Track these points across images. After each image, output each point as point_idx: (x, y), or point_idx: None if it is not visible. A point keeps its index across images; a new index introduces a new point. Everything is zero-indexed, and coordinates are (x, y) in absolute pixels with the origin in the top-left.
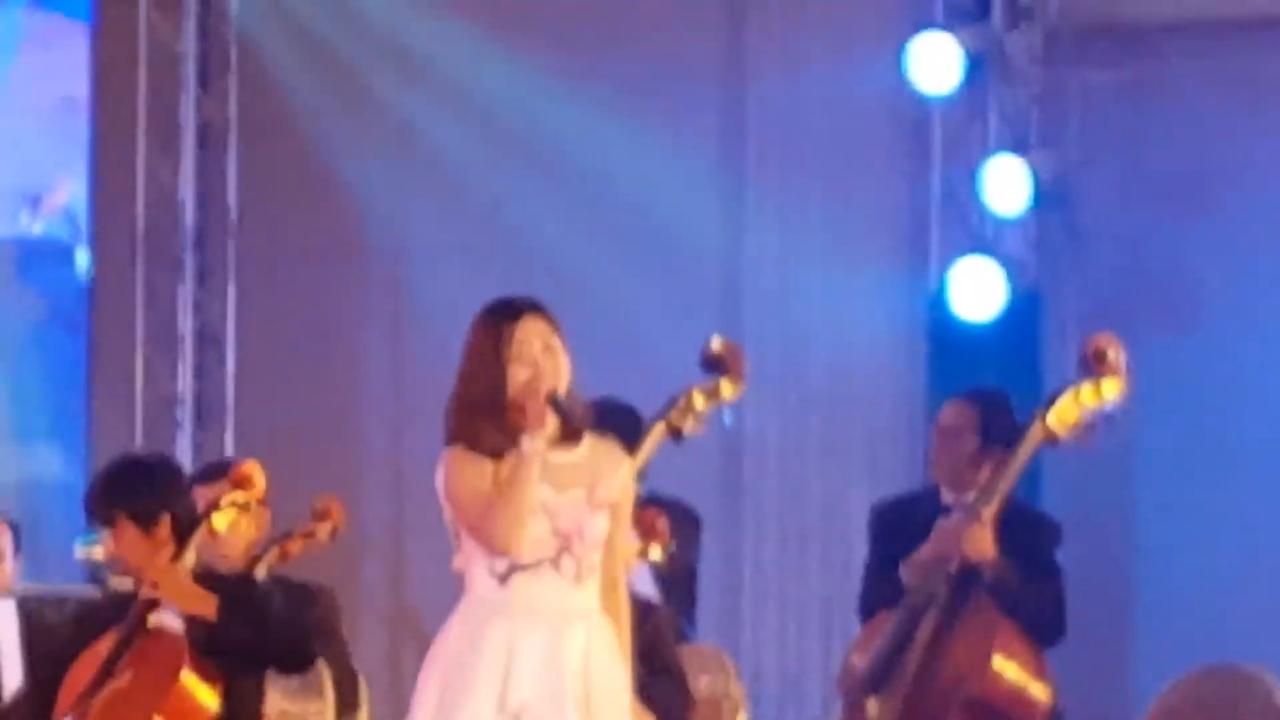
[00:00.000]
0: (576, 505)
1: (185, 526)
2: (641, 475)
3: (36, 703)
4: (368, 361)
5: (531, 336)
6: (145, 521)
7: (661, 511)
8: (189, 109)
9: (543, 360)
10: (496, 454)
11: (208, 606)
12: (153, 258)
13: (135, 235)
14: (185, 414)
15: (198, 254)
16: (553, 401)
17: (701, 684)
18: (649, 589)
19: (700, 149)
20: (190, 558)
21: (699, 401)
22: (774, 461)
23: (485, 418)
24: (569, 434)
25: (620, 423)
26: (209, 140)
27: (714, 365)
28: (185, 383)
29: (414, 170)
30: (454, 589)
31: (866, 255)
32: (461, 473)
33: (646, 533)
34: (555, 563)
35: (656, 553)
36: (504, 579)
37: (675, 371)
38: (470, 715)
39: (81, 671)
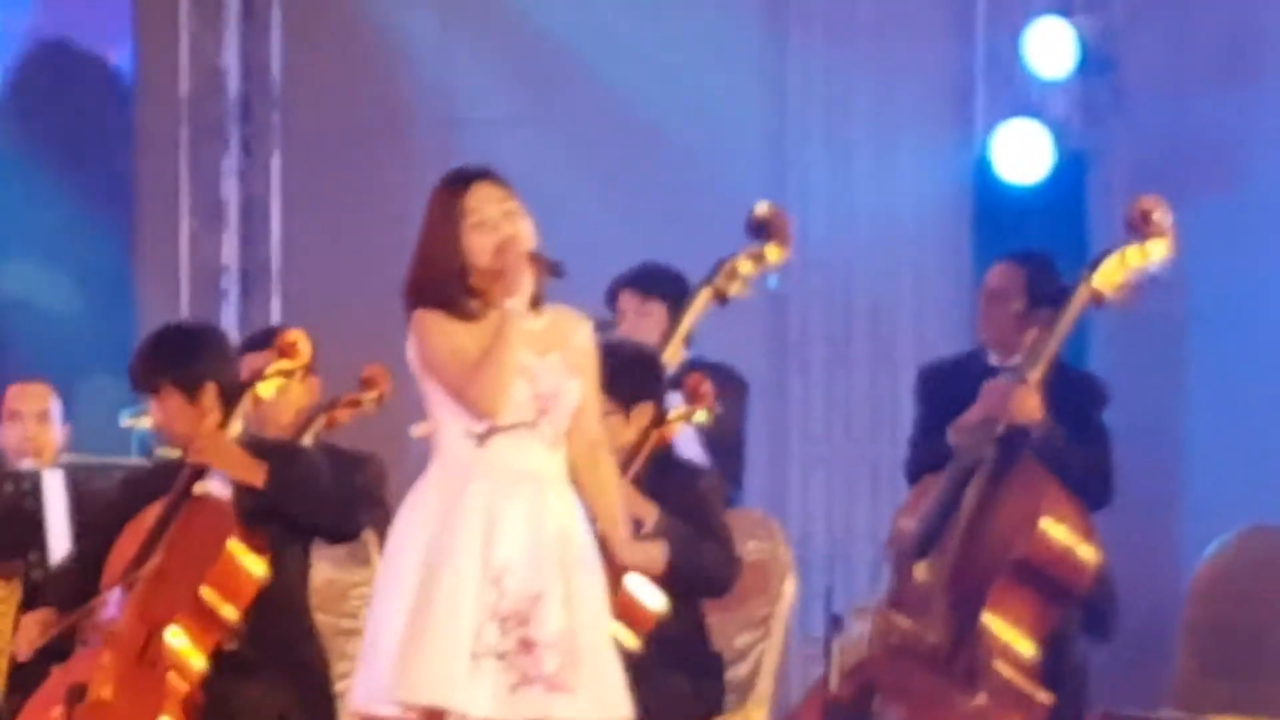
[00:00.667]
0: (555, 369)
1: (231, 394)
2: (688, 340)
3: (83, 570)
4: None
5: (485, 204)
6: (190, 389)
7: (707, 376)
8: None
9: (504, 224)
10: (468, 318)
11: (255, 474)
12: (197, 128)
13: (179, 106)
14: (231, 284)
15: (242, 124)
16: (536, 261)
17: (749, 549)
18: (696, 453)
19: (744, 14)
20: (237, 426)
21: (745, 266)
22: (820, 325)
23: (446, 284)
24: (532, 302)
25: (667, 288)
26: (253, 9)
27: (760, 230)
28: (231, 253)
29: (463, 39)
30: None
31: (911, 119)
32: (439, 335)
33: (693, 396)
34: (533, 426)
35: (703, 416)
36: (482, 440)
37: (721, 237)
38: (454, 575)
39: (129, 540)
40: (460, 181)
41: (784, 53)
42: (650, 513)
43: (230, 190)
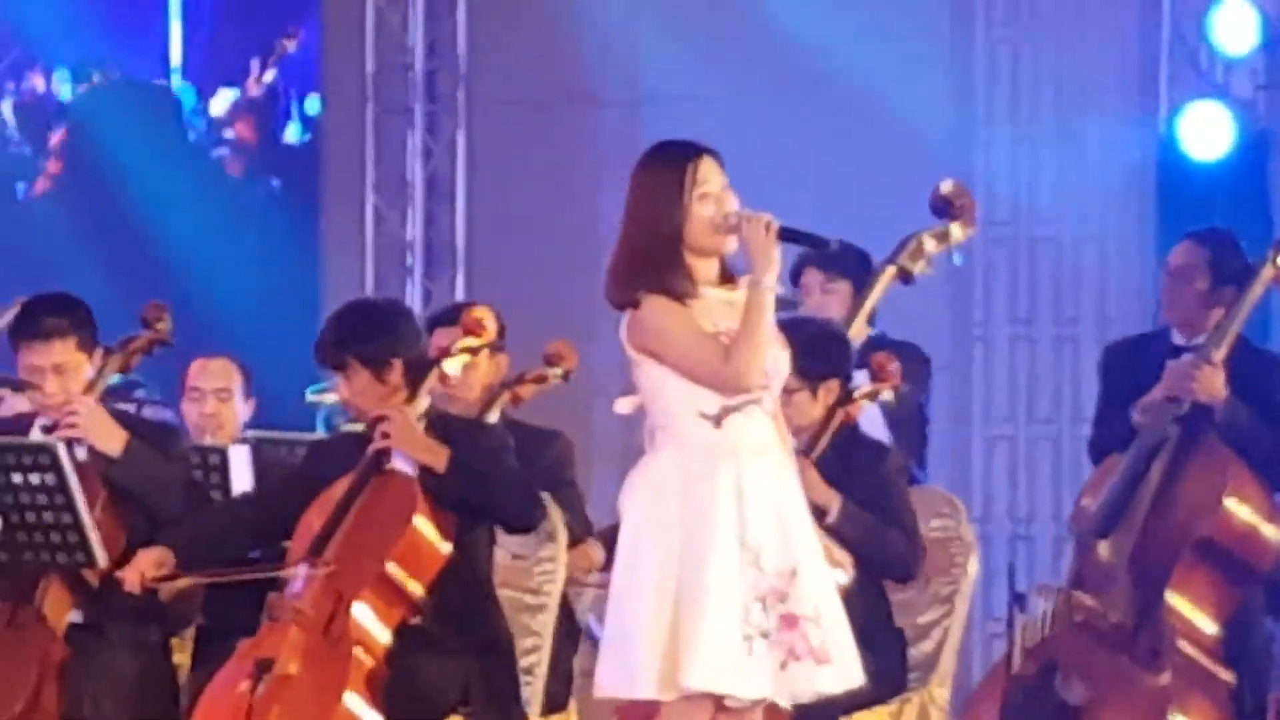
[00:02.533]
0: (771, 345)
1: (417, 371)
2: (872, 317)
3: (266, 540)
4: (599, 211)
5: (712, 176)
6: (377, 366)
7: (892, 353)
8: None
9: (727, 199)
10: (686, 298)
11: (438, 459)
12: (382, 105)
13: (365, 83)
14: (415, 261)
15: (427, 101)
16: (791, 237)
17: (932, 526)
18: (880, 431)
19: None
20: (424, 403)
21: (929, 244)
22: (1004, 303)
23: (668, 263)
24: (727, 275)
25: (851, 266)
26: None
27: (945, 208)
28: (415, 229)
29: (650, 14)
30: None
31: (1096, 98)
32: (677, 318)
33: (879, 374)
34: (760, 402)
35: (888, 395)
36: (718, 421)
37: (907, 215)
38: (718, 556)
39: (315, 514)
40: (687, 154)
41: (971, 31)
42: (834, 501)
43: (415, 167)
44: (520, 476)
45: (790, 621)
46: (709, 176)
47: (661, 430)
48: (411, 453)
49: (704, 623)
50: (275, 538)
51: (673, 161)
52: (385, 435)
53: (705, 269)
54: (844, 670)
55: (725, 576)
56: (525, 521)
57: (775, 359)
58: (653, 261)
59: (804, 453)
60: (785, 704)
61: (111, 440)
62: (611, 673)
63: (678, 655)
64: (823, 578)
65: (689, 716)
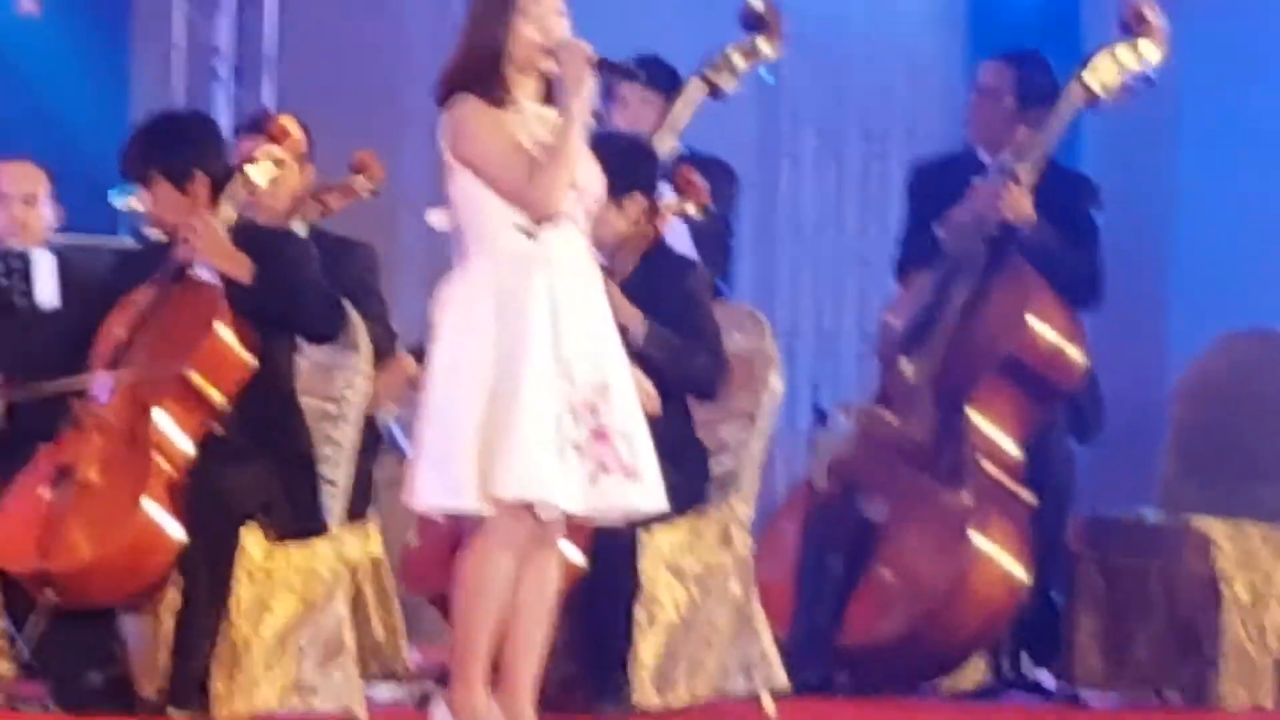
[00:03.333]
0: (586, 160)
1: (222, 183)
2: (679, 132)
3: (71, 348)
4: (411, 18)
5: None
6: (180, 179)
7: (698, 168)
8: None
9: (552, 21)
10: (502, 105)
11: (241, 269)
12: None
13: None
14: (225, 68)
15: None
16: (607, 68)
17: (735, 341)
18: (685, 246)
19: None
20: (228, 212)
21: (737, 59)
22: (812, 120)
23: (490, 70)
24: (550, 98)
25: (659, 78)
26: None
27: (753, 24)
28: (225, 36)
29: None
30: None
31: None
32: (491, 125)
33: (683, 189)
34: (574, 218)
35: (692, 209)
36: (530, 234)
37: (715, 30)
38: (532, 369)
39: (117, 322)
40: None
41: None
42: (637, 320)
43: None
44: (322, 287)
45: (601, 435)
46: None
47: (475, 241)
48: (216, 263)
49: (518, 432)
50: (83, 349)
51: None
52: (189, 244)
53: (527, 85)
54: (650, 490)
55: (539, 386)
56: (326, 331)
57: (589, 178)
58: (472, 67)
59: (609, 269)
60: (592, 518)
61: None
62: (430, 484)
63: (492, 465)
64: (631, 396)
65: (508, 529)
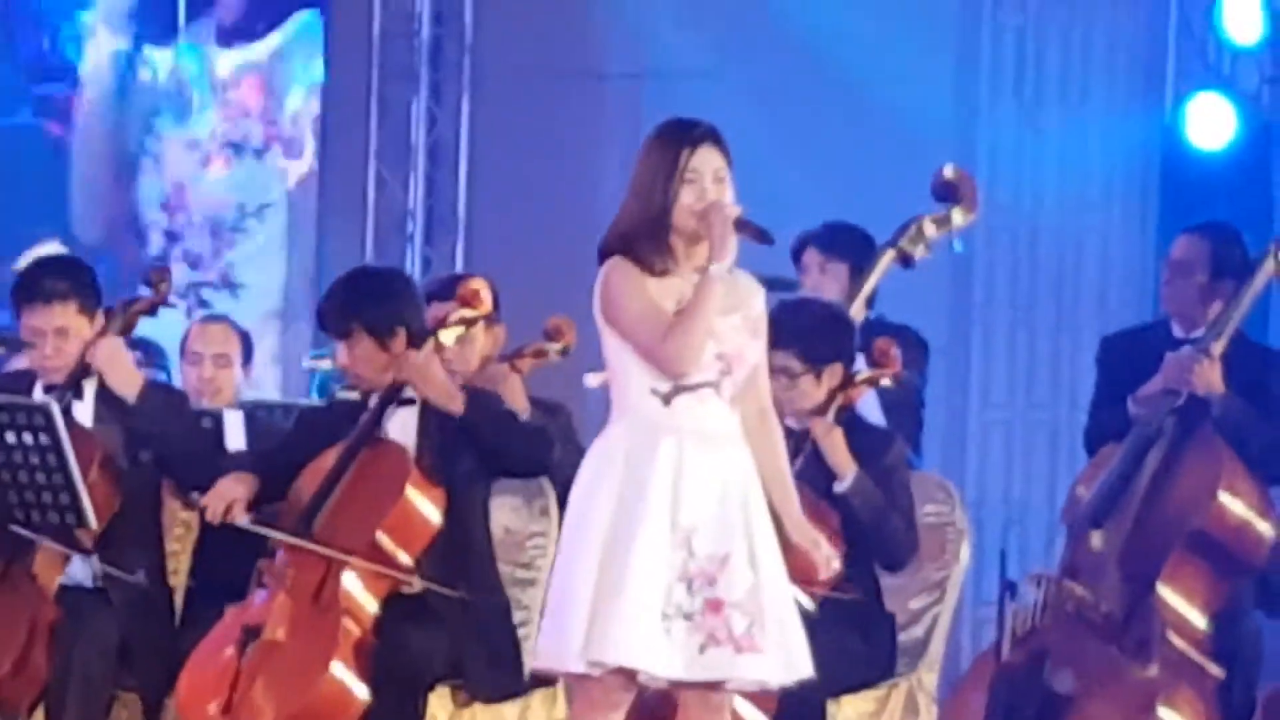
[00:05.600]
0: (737, 330)
1: (418, 341)
2: (871, 300)
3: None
4: (601, 184)
5: (704, 165)
6: (381, 334)
7: (890, 338)
8: None
9: (713, 189)
10: (661, 272)
11: (456, 402)
12: (388, 71)
13: (371, 48)
14: (416, 228)
15: (432, 68)
16: (741, 227)
17: (926, 512)
18: (875, 415)
19: None
20: None
21: (929, 228)
22: (1004, 290)
23: (650, 237)
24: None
25: (853, 246)
26: None
27: (946, 193)
28: (417, 197)
29: None
30: None
31: (1102, 84)
32: (634, 288)
33: (879, 360)
34: (717, 386)
35: (888, 380)
36: (668, 400)
37: (908, 198)
38: (646, 535)
39: (307, 483)
40: (688, 139)
41: (978, 16)
42: (850, 470)
43: (418, 134)
44: (528, 424)
45: (715, 606)
46: (700, 164)
47: (617, 403)
48: (432, 393)
49: (622, 598)
50: (269, 500)
51: (670, 144)
52: (404, 371)
53: (697, 253)
54: (783, 661)
55: (650, 553)
56: (538, 462)
57: (742, 347)
58: (634, 233)
59: (803, 435)
60: (708, 679)
61: (129, 382)
62: (546, 645)
63: (594, 629)
64: (765, 569)
65: (607, 693)
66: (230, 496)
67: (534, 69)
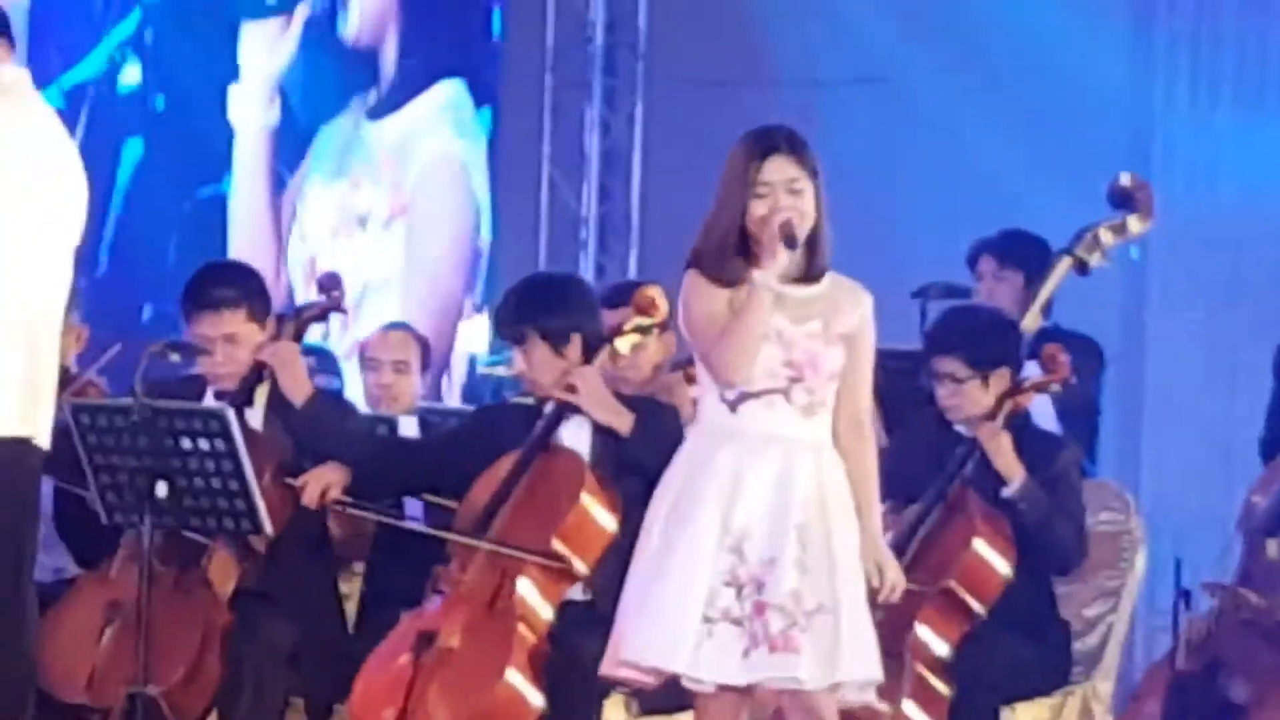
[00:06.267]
0: (812, 337)
1: (593, 348)
2: (1047, 307)
3: (431, 489)
4: None
5: (776, 175)
6: (557, 340)
7: (1065, 345)
8: None
9: (784, 199)
10: (731, 283)
11: (624, 422)
12: (561, 78)
13: (545, 55)
14: (590, 234)
15: (606, 75)
16: (785, 237)
17: (1101, 519)
18: (1050, 422)
19: None
20: None
21: (1106, 236)
22: (1179, 297)
23: (724, 248)
24: (811, 273)
25: (1028, 254)
26: None
27: (1122, 200)
28: (590, 203)
29: (823, 3)
30: None
31: (1276, 90)
32: (698, 297)
33: (1048, 366)
34: (786, 393)
35: (1057, 386)
36: (734, 406)
37: (1084, 208)
38: (693, 535)
39: (482, 489)
40: (757, 150)
41: (1151, 21)
42: (1018, 474)
43: (592, 141)
44: None
45: (760, 609)
46: (772, 176)
47: (699, 410)
48: (599, 413)
49: (658, 601)
50: (438, 490)
51: (742, 156)
52: (573, 391)
53: (780, 263)
54: (823, 662)
55: (694, 558)
56: None
57: (815, 354)
58: (705, 245)
59: (974, 441)
60: (753, 680)
61: (299, 387)
62: (610, 647)
63: (632, 630)
64: (817, 572)
65: (720, 708)
66: (325, 482)
67: (707, 76)
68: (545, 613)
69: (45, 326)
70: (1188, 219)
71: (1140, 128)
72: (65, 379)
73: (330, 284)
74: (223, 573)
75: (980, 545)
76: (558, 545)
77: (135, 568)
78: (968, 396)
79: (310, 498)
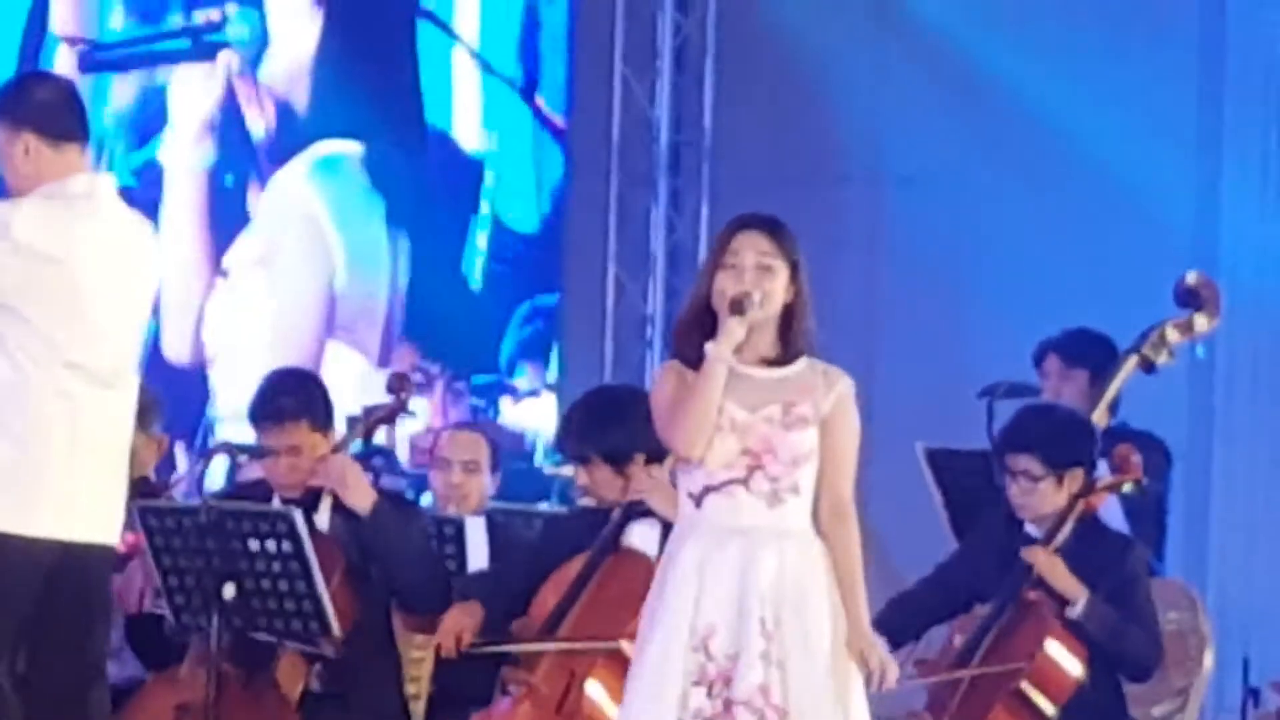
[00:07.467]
0: (768, 422)
1: (657, 460)
2: (1114, 406)
3: (500, 614)
4: (842, 287)
5: (745, 249)
6: (618, 460)
7: (1132, 444)
8: (666, 30)
9: (750, 274)
10: (697, 364)
11: None
12: (626, 177)
13: (610, 154)
14: (655, 334)
15: (671, 174)
16: (731, 303)
17: (1169, 619)
18: (1117, 521)
19: (1178, 69)
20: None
21: (1172, 334)
22: (1245, 395)
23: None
24: (785, 357)
25: (1094, 353)
26: (685, 60)
27: (1189, 299)
28: (656, 302)
29: (895, 96)
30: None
31: None
32: (663, 381)
33: (1120, 466)
34: (746, 482)
35: (1129, 487)
36: (699, 501)
37: (1149, 306)
38: (662, 637)
39: (550, 591)
40: (735, 225)
41: (1218, 120)
42: (1081, 595)
43: (657, 240)
44: None
45: (728, 706)
46: (740, 248)
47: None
48: (671, 513)
49: (635, 706)
50: (514, 613)
51: (722, 232)
52: (641, 490)
53: (757, 341)
54: None
55: (665, 661)
56: None
57: (772, 440)
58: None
59: (1044, 541)
60: None
61: (362, 498)
62: None
63: None
64: (792, 661)
65: None
66: (459, 627)
67: (773, 173)
68: (613, 712)
69: (64, 425)
70: (1253, 317)
71: (1206, 225)
72: (146, 489)
73: (398, 386)
74: (291, 674)
75: (1053, 647)
76: (626, 647)
77: (204, 670)
78: (1041, 495)
79: (448, 649)
